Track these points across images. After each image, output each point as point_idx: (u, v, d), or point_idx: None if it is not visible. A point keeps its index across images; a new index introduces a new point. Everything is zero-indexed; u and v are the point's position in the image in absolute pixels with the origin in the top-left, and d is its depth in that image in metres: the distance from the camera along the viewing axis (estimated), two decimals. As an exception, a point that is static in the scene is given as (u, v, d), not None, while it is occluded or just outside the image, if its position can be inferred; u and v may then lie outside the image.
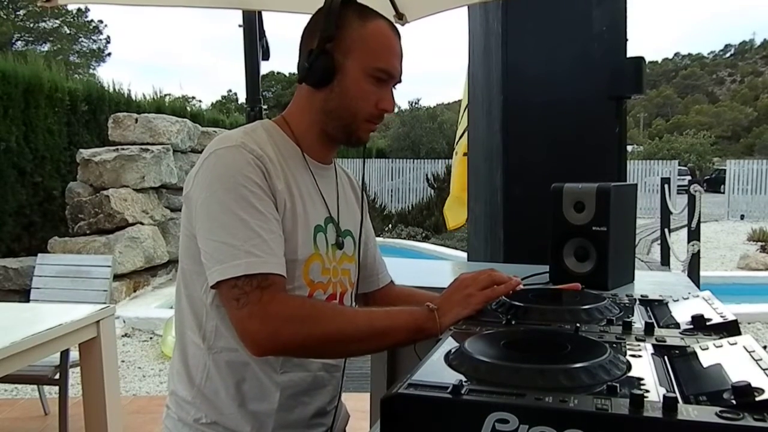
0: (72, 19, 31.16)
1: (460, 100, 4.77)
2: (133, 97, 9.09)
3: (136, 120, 7.39)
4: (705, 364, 0.70)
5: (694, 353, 0.74)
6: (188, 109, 10.84)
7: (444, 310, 1.02)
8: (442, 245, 10.43)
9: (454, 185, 4.77)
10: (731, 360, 0.68)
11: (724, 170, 19.78)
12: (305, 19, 1.17)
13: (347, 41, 1.09)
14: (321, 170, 1.18)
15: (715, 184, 25.99)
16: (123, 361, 4.54)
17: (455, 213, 4.58)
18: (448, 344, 0.80)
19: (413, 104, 28.85)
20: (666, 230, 8.13)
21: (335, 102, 1.11)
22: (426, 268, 2.29)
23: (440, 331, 1.00)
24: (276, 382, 1.08)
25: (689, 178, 21.13)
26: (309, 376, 1.12)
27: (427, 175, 15.70)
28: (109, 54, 33.49)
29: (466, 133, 4.13)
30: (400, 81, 1.16)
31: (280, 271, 0.99)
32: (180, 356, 1.12)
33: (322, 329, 0.98)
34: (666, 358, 0.75)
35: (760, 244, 11.10)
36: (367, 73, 1.09)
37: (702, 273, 5.84)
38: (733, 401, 0.57)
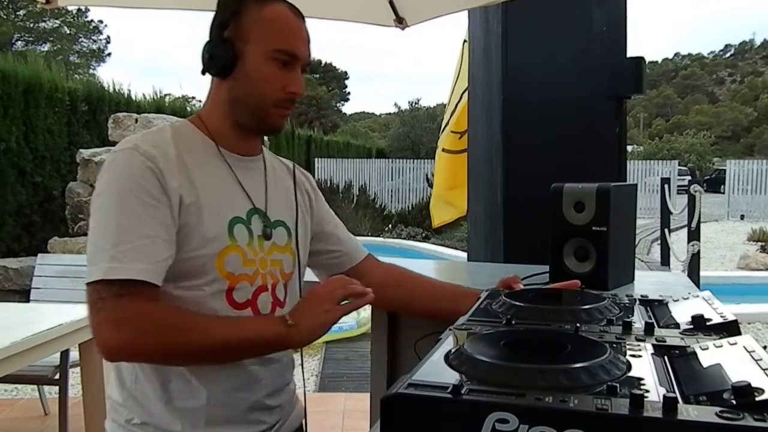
0: (72, 20, 31.17)
1: (460, 99, 4.77)
2: (133, 97, 9.09)
3: (136, 120, 7.39)
4: (705, 364, 0.70)
5: (694, 353, 0.74)
6: (188, 109, 10.84)
7: (301, 326, 1.04)
8: (442, 245, 10.43)
9: (437, 183, 4.77)
10: (731, 360, 0.68)
11: (724, 170, 19.78)
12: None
13: (245, 27, 1.09)
14: (242, 162, 1.17)
15: (715, 184, 25.99)
16: (123, 361, 4.54)
17: (440, 211, 4.58)
18: (448, 344, 0.80)
19: (413, 104, 28.81)
20: (666, 230, 8.13)
21: (240, 90, 1.11)
22: (426, 268, 2.29)
23: (297, 346, 1.08)
24: (203, 379, 1.07)
25: (689, 178, 21.11)
26: (240, 371, 1.11)
27: (427, 175, 15.70)
28: (109, 54, 33.54)
29: (447, 129, 4.14)
30: (309, 64, 1.15)
31: (146, 278, 0.98)
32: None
33: (178, 340, 0.98)
34: (666, 358, 0.75)
35: (760, 244, 11.11)
36: (267, 56, 1.09)
37: (702, 273, 5.84)
38: (733, 401, 0.57)
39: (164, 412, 1.07)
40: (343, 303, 1.08)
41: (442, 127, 4.41)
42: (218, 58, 1.10)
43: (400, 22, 1.97)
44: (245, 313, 1.11)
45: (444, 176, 4.33)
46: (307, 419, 1.28)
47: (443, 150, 4.21)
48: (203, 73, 1.14)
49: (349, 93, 51.40)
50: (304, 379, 1.20)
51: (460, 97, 3.93)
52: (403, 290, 1.39)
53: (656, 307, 1.04)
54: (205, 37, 1.13)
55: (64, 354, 2.70)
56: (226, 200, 1.12)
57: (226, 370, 1.09)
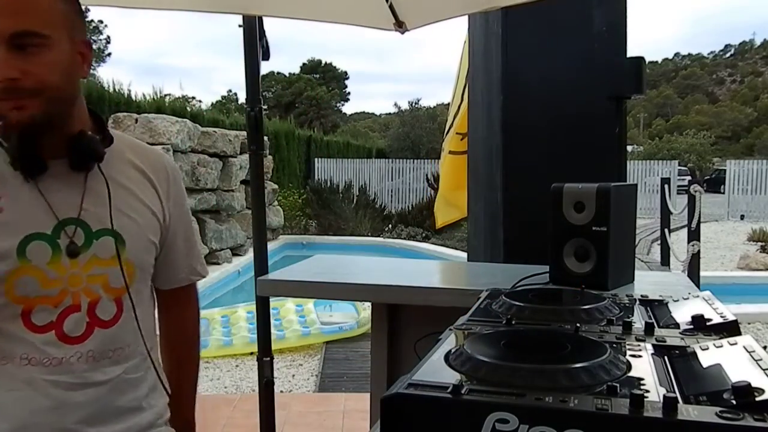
0: (72, 20, 31.12)
1: (460, 101, 4.77)
2: (133, 98, 9.11)
3: (136, 120, 7.40)
4: (705, 364, 0.70)
5: (694, 353, 0.74)
6: (188, 109, 10.85)
7: None
8: (442, 245, 10.44)
9: (441, 183, 4.80)
10: (731, 360, 0.68)
11: (724, 170, 19.79)
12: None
13: None
14: (49, 169, 1.03)
15: (715, 184, 25.99)
16: (123, 362, 4.54)
17: (443, 211, 4.60)
18: (448, 344, 0.80)
19: (413, 104, 28.83)
20: (666, 230, 8.14)
21: None
22: (426, 268, 2.29)
23: None
24: (5, 402, 1.02)
25: (689, 178, 21.10)
26: (38, 395, 1.03)
27: (427, 175, 15.70)
28: (109, 54, 33.64)
29: (452, 131, 4.15)
30: (21, 34, 0.95)
31: None
32: None
33: None
34: (666, 358, 0.75)
35: (760, 244, 11.11)
36: None
37: (702, 273, 5.84)
38: (733, 401, 0.57)
39: None
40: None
41: (447, 128, 4.41)
42: None
43: (400, 26, 1.97)
44: (47, 337, 1.02)
45: (448, 177, 4.35)
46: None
47: (449, 152, 4.22)
48: None
49: (349, 93, 51.44)
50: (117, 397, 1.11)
51: (463, 98, 3.93)
52: (167, 355, 1.28)
53: (656, 307, 1.04)
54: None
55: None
56: (21, 216, 1.01)
57: (25, 391, 1.02)
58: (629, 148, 29.55)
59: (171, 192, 1.21)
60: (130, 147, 1.19)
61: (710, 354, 0.72)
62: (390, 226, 12.69)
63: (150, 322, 1.20)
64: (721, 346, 0.74)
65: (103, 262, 1.07)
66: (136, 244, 1.12)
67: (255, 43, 2.24)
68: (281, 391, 3.98)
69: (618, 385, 0.61)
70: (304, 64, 47.71)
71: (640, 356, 0.74)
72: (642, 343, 0.80)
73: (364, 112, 69.12)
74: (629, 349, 0.77)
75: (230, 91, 51.71)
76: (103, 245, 1.07)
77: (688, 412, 0.56)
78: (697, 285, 2.12)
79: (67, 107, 1.05)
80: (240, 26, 2.25)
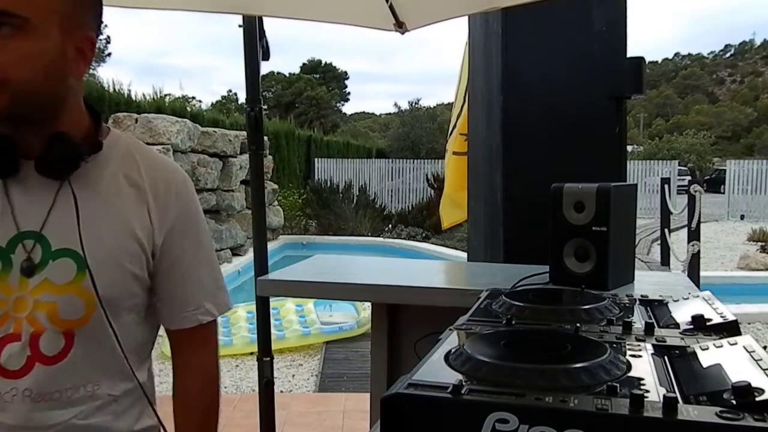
0: (72, 20, 31.15)
1: (460, 101, 4.78)
2: (133, 97, 9.11)
3: (136, 120, 7.40)
4: (705, 364, 0.70)
5: (694, 353, 0.74)
6: (188, 109, 10.85)
7: None
8: (442, 245, 10.45)
9: (446, 184, 4.80)
10: (731, 360, 0.68)
11: (724, 170, 19.79)
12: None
13: None
14: (21, 171, 0.92)
15: (715, 184, 25.99)
16: (123, 362, 4.54)
17: (449, 212, 4.61)
18: (448, 344, 0.80)
19: (413, 104, 28.87)
20: (666, 230, 8.14)
21: None
22: (426, 268, 2.29)
23: None
24: None
25: (689, 178, 21.10)
26: None
27: (427, 175, 15.71)
28: (109, 54, 33.59)
29: (455, 132, 4.16)
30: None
31: None
32: None
33: None
34: (666, 358, 0.75)
35: (760, 244, 11.11)
36: None
37: (702, 273, 5.84)
38: (733, 401, 0.57)
39: None
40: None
41: (450, 129, 4.42)
42: None
43: (400, 26, 1.97)
44: None
45: (453, 178, 4.35)
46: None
47: (453, 153, 4.23)
48: None
49: (349, 93, 51.44)
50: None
51: (465, 99, 3.94)
52: (177, 407, 1.10)
53: (656, 307, 1.04)
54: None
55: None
56: None
57: None
58: (629, 148, 29.55)
59: (171, 215, 1.01)
60: (136, 156, 1.02)
61: (710, 354, 0.72)
62: (390, 226, 12.70)
63: (138, 360, 1.03)
64: (721, 346, 0.74)
65: (56, 288, 0.91)
66: (105, 272, 0.93)
67: (255, 43, 2.24)
68: (281, 391, 3.97)
69: (618, 385, 0.61)
70: (304, 64, 47.74)
71: (640, 356, 0.74)
72: (642, 343, 0.80)
73: (364, 112, 69.16)
74: (629, 349, 0.77)
75: (230, 91, 51.75)
76: (59, 268, 0.91)
77: (688, 412, 0.56)
78: (697, 285, 2.12)
79: (48, 108, 0.91)
80: (240, 26, 2.25)
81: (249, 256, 8.67)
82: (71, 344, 0.93)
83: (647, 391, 0.62)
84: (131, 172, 1.00)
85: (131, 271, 0.97)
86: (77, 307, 0.92)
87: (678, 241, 8.33)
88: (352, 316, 5.60)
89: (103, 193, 0.96)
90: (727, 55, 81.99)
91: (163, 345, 4.74)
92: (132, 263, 0.97)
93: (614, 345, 0.78)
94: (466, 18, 3.35)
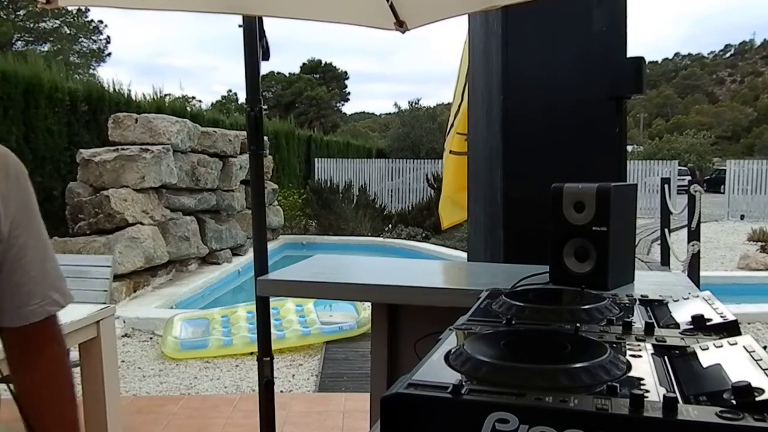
0: (72, 20, 31.17)
1: (460, 100, 4.77)
2: (133, 97, 9.10)
3: (136, 120, 7.40)
4: (705, 364, 0.70)
5: (694, 353, 0.74)
6: (188, 109, 10.85)
7: None
8: (442, 245, 10.44)
9: (445, 184, 4.80)
10: (731, 360, 0.68)
11: (724, 170, 19.77)
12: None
13: None
14: None
15: (715, 184, 26.00)
16: (123, 362, 4.54)
17: (448, 212, 4.60)
18: (448, 344, 0.80)
19: (413, 104, 28.81)
20: (666, 230, 8.14)
21: None
22: (426, 268, 2.29)
23: None
24: None
25: (689, 178, 21.10)
26: None
27: (427, 175, 15.71)
28: (109, 54, 33.52)
29: (453, 131, 4.16)
30: None
31: None
32: None
33: None
34: (666, 358, 0.75)
35: (760, 244, 11.11)
36: None
37: (702, 273, 5.84)
38: (733, 401, 0.57)
39: None
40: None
41: (448, 128, 4.42)
42: None
43: (401, 25, 1.97)
44: None
45: (452, 178, 4.34)
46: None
47: (450, 152, 4.22)
48: None
49: (349, 93, 51.37)
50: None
51: (463, 98, 3.93)
52: (33, 418, 1.02)
53: (656, 307, 1.04)
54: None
55: (64, 354, 2.70)
56: None
57: None
58: (629, 148, 29.54)
59: (14, 203, 0.93)
60: None
61: (710, 354, 0.72)
62: (390, 226, 12.69)
63: None
64: (721, 346, 0.74)
65: None
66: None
67: (255, 43, 2.24)
68: (281, 391, 3.97)
69: (618, 385, 0.61)
70: (304, 64, 47.68)
71: (640, 356, 0.74)
72: (642, 343, 0.80)
73: (364, 112, 69.22)
74: (629, 349, 0.77)
75: (230, 91, 51.69)
76: None
77: (688, 412, 0.56)
78: (697, 285, 2.12)
79: None
80: (240, 26, 2.25)
81: (249, 256, 8.66)
82: None
83: (647, 391, 0.62)
84: None
85: None
86: None
87: (678, 241, 8.34)
88: (352, 316, 5.59)
89: None
90: (727, 55, 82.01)
91: (163, 345, 4.75)
92: None
93: (614, 345, 0.78)
94: (466, 18, 3.36)
